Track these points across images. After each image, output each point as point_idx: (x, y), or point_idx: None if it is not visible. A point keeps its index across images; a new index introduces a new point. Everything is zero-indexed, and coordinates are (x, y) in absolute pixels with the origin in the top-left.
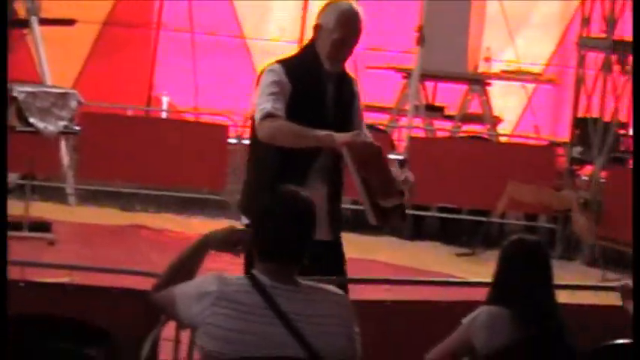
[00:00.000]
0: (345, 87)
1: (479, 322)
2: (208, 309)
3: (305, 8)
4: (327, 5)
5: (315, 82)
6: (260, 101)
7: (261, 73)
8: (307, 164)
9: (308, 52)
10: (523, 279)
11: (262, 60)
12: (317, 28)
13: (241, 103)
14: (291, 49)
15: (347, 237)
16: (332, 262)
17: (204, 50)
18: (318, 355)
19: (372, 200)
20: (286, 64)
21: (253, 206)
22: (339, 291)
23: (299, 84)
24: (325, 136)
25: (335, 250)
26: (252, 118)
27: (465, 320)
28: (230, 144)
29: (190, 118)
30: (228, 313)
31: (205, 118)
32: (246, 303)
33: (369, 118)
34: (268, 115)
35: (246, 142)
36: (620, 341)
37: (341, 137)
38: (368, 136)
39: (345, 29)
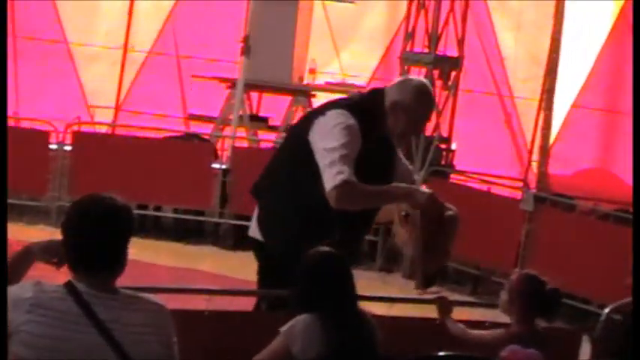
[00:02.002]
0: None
1: (296, 329)
2: (23, 316)
3: (130, 13)
4: (403, 82)
5: (380, 153)
6: (333, 158)
7: (323, 112)
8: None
9: (376, 122)
10: (319, 290)
11: (86, 66)
12: (394, 105)
13: (64, 109)
14: (116, 55)
15: (169, 246)
16: None
17: (26, 55)
18: None
19: (424, 265)
20: (361, 123)
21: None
22: (158, 300)
23: (367, 150)
24: (405, 193)
25: None
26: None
27: (282, 329)
28: (51, 150)
29: (11, 124)
30: (43, 321)
31: (26, 124)
32: (63, 310)
33: (193, 127)
34: (347, 184)
35: (68, 148)
36: (439, 354)
37: (421, 196)
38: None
39: (428, 110)
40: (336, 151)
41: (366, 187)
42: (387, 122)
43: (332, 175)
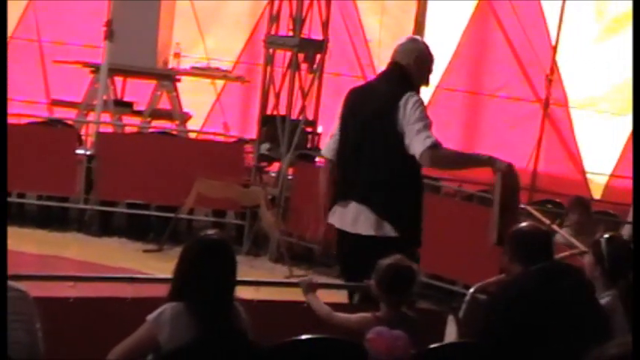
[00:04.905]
0: None
1: (164, 318)
2: None
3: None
4: (412, 42)
5: None
6: (419, 127)
7: (399, 99)
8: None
9: (413, 83)
10: (201, 276)
11: None
12: (418, 60)
13: None
14: (12, 47)
15: (33, 233)
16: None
17: None
18: None
19: (500, 224)
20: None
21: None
22: (21, 287)
23: None
24: (487, 160)
25: None
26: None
27: (150, 317)
28: None
29: None
30: None
31: None
32: None
33: (56, 113)
34: (437, 145)
35: None
36: (304, 337)
37: (501, 164)
38: None
39: (433, 58)
40: (420, 121)
41: (454, 150)
42: (414, 78)
43: (421, 139)
